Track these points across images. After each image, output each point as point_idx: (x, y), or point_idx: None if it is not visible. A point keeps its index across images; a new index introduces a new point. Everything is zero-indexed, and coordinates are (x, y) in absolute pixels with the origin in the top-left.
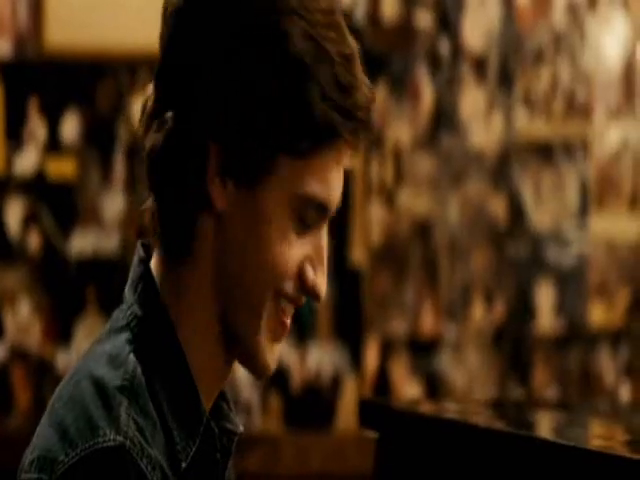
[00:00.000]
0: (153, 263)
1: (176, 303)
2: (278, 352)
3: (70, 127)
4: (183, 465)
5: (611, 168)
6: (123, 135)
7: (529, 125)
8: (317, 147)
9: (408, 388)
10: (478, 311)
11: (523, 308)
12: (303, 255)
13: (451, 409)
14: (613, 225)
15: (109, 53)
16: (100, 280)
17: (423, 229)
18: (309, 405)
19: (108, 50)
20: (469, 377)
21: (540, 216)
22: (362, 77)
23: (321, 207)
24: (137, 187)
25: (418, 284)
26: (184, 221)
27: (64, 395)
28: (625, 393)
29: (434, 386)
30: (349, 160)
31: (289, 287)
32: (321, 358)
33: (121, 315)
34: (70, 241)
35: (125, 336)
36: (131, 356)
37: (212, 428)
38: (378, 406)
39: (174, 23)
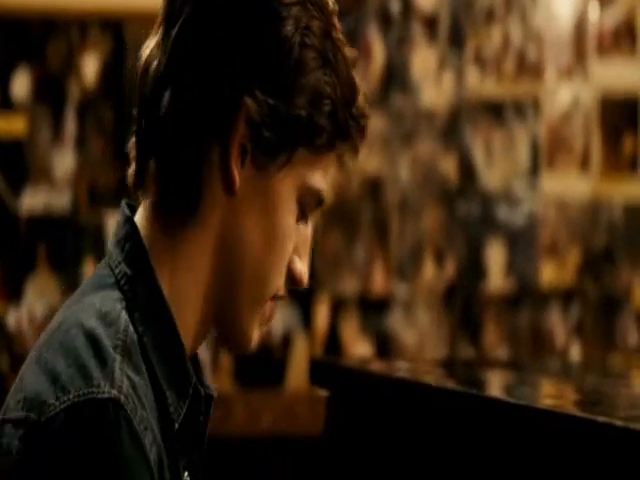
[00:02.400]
0: (141, 221)
1: (169, 266)
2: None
3: (21, 85)
4: (176, 426)
5: (562, 127)
6: (74, 93)
7: (480, 84)
8: (331, 146)
9: (359, 347)
10: (429, 270)
11: (474, 267)
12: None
13: (401, 368)
14: (564, 184)
15: (60, 10)
16: (51, 238)
17: (374, 188)
18: (260, 364)
19: (59, 7)
20: (419, 336)
21: (491, 175)
22: (360, 83)
23: (320, 200)
24: (88, 145)
25: (369, 243)
26: (194, 191)
27: (53, 342)
28: (575, 352)
29: (385, 345)
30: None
31: (283, 289)
32: None
33: (105, 272)
34: (21, 199)
35: (115, 294)
36: (123, 314)
37: (199, 390)
38: (329, 365)
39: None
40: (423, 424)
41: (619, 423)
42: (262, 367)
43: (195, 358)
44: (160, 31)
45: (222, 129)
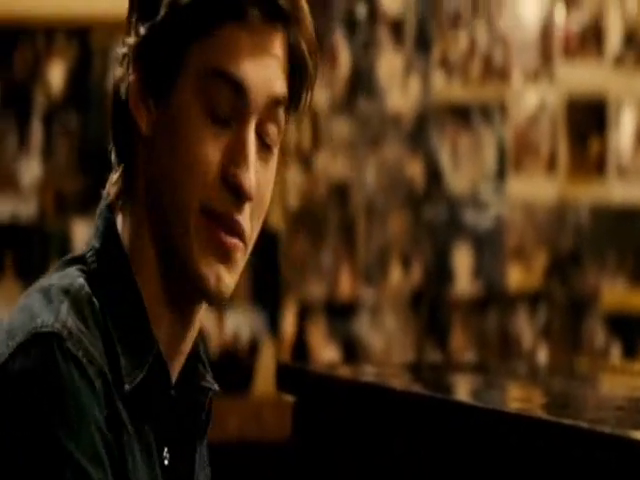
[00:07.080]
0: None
1: (130, 239)
2: (229, 273)
3: None
4: (126, 387)
5: (528, 131)
6: (40, 100)
7: (446, 88)
8: (222, 22)
9: (326, 352)
10: (396, 274)
11: (441, 271)
12: (223, 156)
13: (369, 373)
14: (530, 188)
15: (26, 18)
16: (17, 246)
17: (340, 193)
18: (227, 369)
19: (25, 15)
20: (387, 341)
21: (457, 179)
22: None
23: (236, 86)
24: (54, 152)
25: (336, 248)
26: (125, 156)
27: (13, 312)
28: (543, 355)
29: (352, 350)
30: (278, 47)
31: (215, 200)
32: (239, 322)
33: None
34: None
35: (78, 265)
36: (81, 279)
37: (164, 361)
38: (296, 370)
39: None
40: (390, 429)
41: (585, 425)
42: (229, 373)
43: (198, 357)
44: None
45: (124, 80)
